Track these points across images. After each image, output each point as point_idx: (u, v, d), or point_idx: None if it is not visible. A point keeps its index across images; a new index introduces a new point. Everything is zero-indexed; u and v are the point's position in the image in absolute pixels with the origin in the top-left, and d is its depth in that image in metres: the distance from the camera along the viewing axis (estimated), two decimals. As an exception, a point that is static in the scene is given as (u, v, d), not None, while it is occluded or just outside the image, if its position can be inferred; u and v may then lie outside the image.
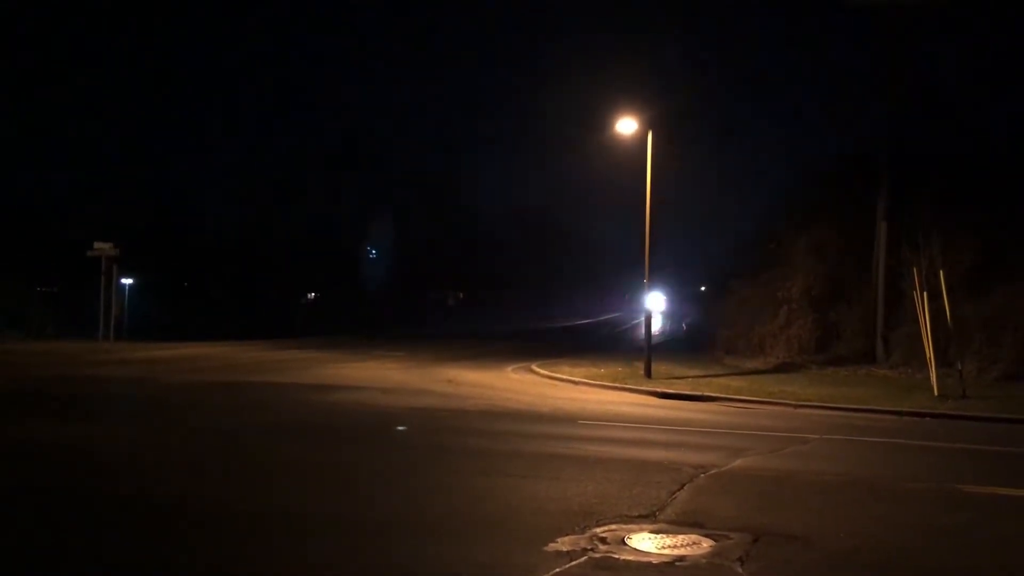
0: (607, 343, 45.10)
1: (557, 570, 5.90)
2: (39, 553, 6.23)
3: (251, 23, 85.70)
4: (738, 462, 10.20)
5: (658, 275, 23.20)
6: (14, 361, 23.66)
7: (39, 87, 57.09)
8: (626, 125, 22.57)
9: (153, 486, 8.41)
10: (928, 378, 18.89)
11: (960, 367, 19.04)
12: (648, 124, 22.47)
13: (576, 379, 21.67)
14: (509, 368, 25.50)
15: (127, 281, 36.12)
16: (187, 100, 76.35)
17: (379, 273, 60.11)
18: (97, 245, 31.97)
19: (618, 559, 6.21)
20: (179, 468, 9.40)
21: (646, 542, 6.67)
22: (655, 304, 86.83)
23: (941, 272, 19.48)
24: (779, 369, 25.32)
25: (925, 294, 19.06)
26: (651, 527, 7.09)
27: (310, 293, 59.89)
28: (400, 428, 12.86)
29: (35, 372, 20.93)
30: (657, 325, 54.48)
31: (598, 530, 6.90)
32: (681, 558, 6.29)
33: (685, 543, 6.66)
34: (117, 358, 25.47)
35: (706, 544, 6.62)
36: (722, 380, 21.62)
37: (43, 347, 29.39)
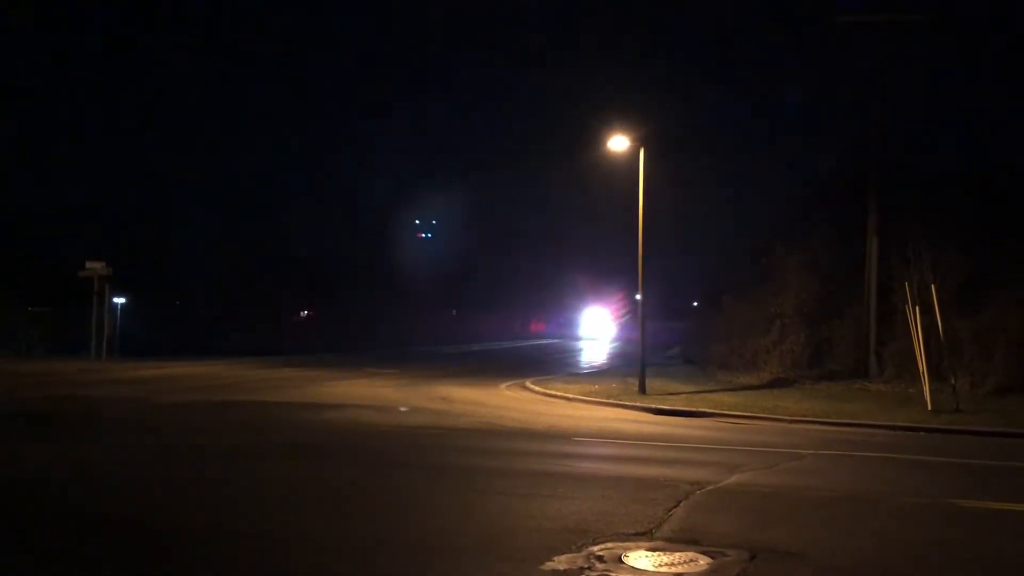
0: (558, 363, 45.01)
1: (554, 589, 5.86)
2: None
3: (247, 39, 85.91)
4: (734, 478, 10.18)
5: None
6: (3, 382, 23.45)
7: (29, 107, 57.14)
8: (618, 142, 22.64)
9: (146, 508, 8.33)
10: (921, 392, 18.91)
11: (953, 381, 19.08)
12: (639, 141, 22.55)
13: (570, 396, 21.62)
14: (503, 385, 25.43)
15: (119, 300, 35.97)
16: (178, 118, 76.36)
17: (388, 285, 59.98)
18: (89, 264, 31.85)
19: (615, 577, 6.17)
20: (172, 490, 9.31)
21: (643, 560, 6.64)
22: (597, 326, 79.06)
23: (932, 286, 19.54)
24: (773, 384, 25.32)
25: (917, 308, 19.11)
26: (648, 544, 7.06)
27: (302, 311, 59.77)
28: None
29: (25, 392, 20.75)
30: (604, 351, 51.22)
31: (595, 548, 6.86)
32: (678, 576, 6.27)
33: (682, 560, 6.63)
34: (109, 378, 25.31)
35: (703, 561, 6.59)
36: (716, 396, 21.60)
37: (34, 367, 29.18)
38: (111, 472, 10.24)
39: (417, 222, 74.67)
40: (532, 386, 24.40)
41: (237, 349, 39.53)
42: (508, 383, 25.99)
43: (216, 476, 10.13)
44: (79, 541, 7.08)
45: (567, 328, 79.06)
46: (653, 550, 6.89)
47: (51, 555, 6.69)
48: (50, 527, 7.53)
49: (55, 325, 37.80)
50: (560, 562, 6.44)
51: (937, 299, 19.21)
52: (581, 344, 64.28)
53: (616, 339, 66.20)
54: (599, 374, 30.73)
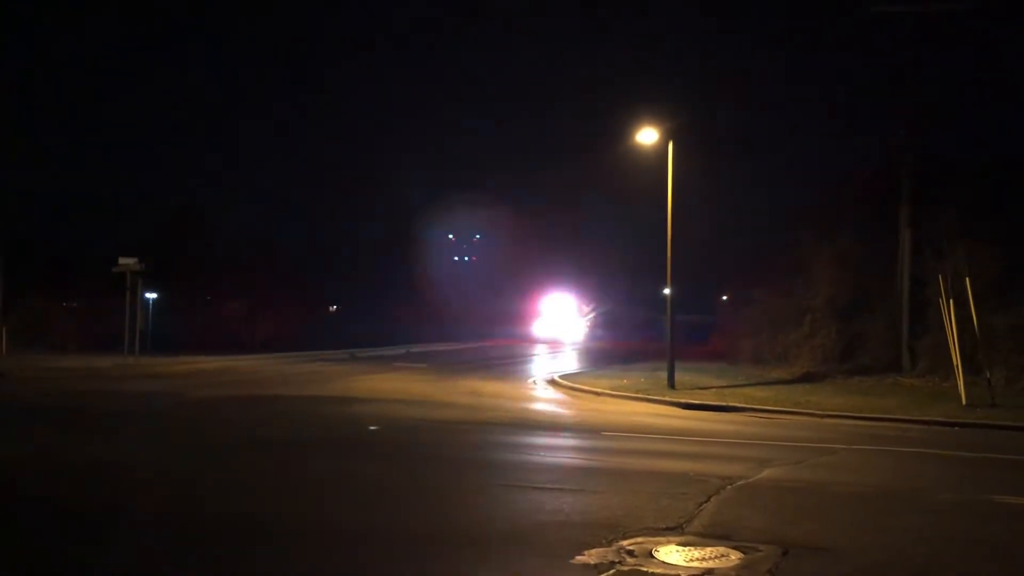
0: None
1: (585, 583, 5.84)
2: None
3: (276, 37, 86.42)
4: (765, 473, 10.10)
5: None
6: (41, 376, 23.85)
7: (60, 104, 57.90)
8: (647, 135, 22.52)
9: (178, 500, 8.43)
10: (955, 387, 18.66)
11: (988, 375, 18.80)
12: (669, 134, 22.41)
13: (599, 390, 21.59)
14: (530, 380, 25.45)
15: (150, 296, 36.42)
16: (206, 116, 77.01)
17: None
18: (122, 260, 32.18)
19: (646, 572, 6.15)
20: (207, 482, 9.40)
21: (674, 555, 6.60)
22: (558, 322, 64.90)
23: (967, 279, 19.26)
24: (804, 379, 25.12)
25: (951, 302, 18.84)
26: (679, 539, 7.02)
27: (332, 306, 60.23)
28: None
29: (63, 387, 21.02)
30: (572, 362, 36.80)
31: (625, 543, 6.84)
32: (709, 571, 6.23)
33: (713, 556, 6.59)
34: (143, 373, 25.65)
35: (735, 557, 6.54)
36: (747, 390, 21.46)
37: (69, 362, 29.61)
38: (145, 466, 10.36)
39: (451, 236, 74.64)
40: (560, 381, 24.40)
41: (268, 344, 39.95)
42: (535, 378, 26.00)
43: (251, 471, 10.21)
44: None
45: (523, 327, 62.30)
46: (684, 545, 6.86)
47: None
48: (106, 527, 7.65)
49: (89, 320, 38.35)
50: (590, 556, 6.43)
51: (972, 292, 18.92)
52: (536, 350, 48.02)
53: (585, 341, 50.16)
54: (627, 369, 30.62)
